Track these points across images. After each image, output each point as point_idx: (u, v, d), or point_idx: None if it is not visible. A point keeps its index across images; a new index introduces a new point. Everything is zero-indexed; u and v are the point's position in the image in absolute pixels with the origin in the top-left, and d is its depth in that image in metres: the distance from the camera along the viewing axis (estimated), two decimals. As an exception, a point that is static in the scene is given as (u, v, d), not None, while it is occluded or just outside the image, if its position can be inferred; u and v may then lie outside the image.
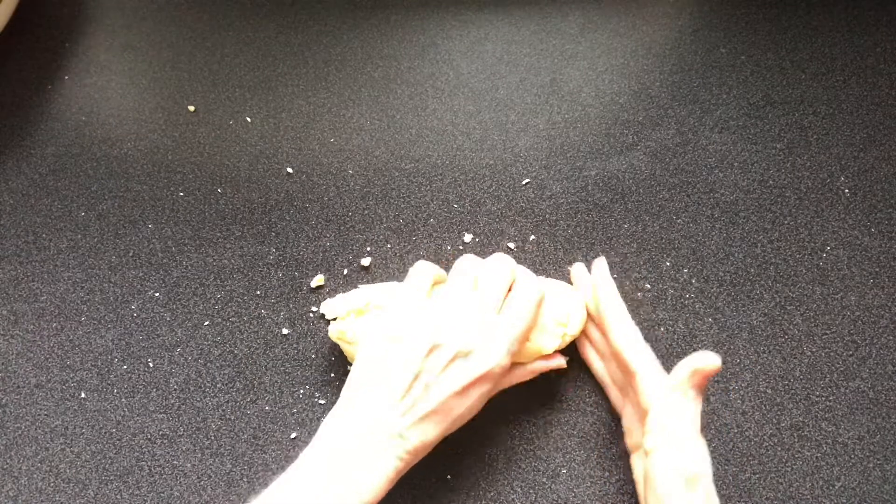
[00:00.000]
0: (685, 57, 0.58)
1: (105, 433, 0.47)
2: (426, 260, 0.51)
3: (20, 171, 0.55)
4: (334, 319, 0.46)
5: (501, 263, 0.44)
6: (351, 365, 0.47)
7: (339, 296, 0.47)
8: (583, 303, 0.46)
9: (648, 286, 0.50)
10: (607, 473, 0.45)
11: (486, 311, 0.41)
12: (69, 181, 0.54)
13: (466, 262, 0.45)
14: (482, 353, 0.40)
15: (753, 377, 0.47)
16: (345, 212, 0.53)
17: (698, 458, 0.37)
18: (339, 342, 0.45)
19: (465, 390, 0.39)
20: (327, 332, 0.47)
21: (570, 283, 0.50)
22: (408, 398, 0.38)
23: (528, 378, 0.45)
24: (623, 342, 0.43)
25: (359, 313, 0.44)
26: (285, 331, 0.49)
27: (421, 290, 0.43)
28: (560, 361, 0.45)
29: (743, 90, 0.56)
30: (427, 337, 0.40)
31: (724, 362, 0.48)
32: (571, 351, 0.47)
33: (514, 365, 0.44)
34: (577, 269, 0.49)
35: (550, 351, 0.44)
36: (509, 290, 0.44)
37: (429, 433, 0.39)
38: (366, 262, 0.51)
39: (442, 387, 0.39)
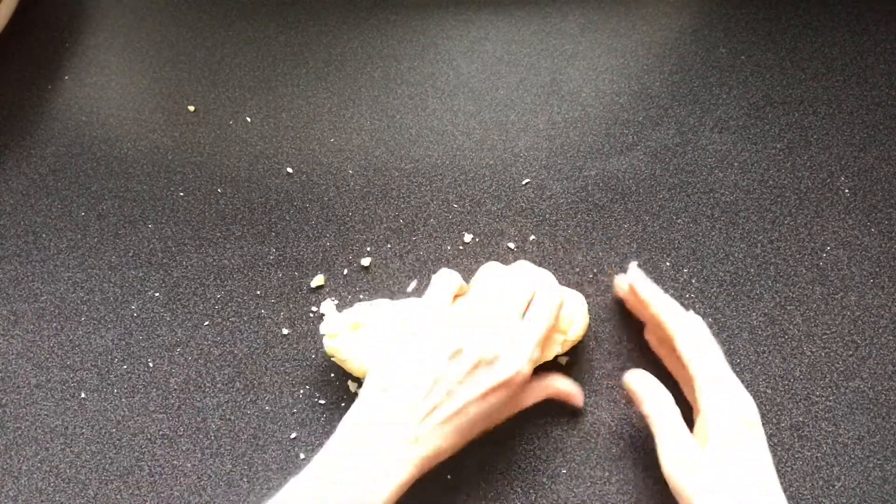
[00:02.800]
0: (685, 57, 0.58)
1: (105, 433, 0.47)
2: (425, 259, 0.51)
3: (20, 171, 0.55)
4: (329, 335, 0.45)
5: (525, 271, 0.44)
6: (348, 376, 0.47)
7: (332, 312, 0.46)
8: (584, 308, 0.46)
9: (648, 286, 0.50)
10: (607, 473, 0.45)
11: (508, 318, 0.41)
12: (69, 181, 0.54)
13: (489, 269, 0.45)
14: (504, 359, 0.40)
15: (753, 377, 0.47)
16: (345, 212, 0.53)
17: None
18: (332, 359, 0.45)
19: (485, 396, 0.39)
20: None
21: (572, 287, 0.50)
22: (427, 403, 0.38)
23: (541, 398, 0.45)
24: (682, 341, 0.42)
25: (354, 327, 0.44)
26: (285, 331, 0.49)
27: (444, 298, 0.43)
28: (578, 399, 0.46)
29: (743, 90, 0.56)
30: (449, 342, 0.40)
31: (724, 362, 0.48)
32: (572, 354, 0.47)
33: (532, 381, 0.44)
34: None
35: (550, 357, 0.44)
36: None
37: (445, 440, 0.39)
38: (366, 262, 0.51)
39: (463, 393, 0.39)
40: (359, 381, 0.48)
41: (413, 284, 0.50)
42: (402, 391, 0.39)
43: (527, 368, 0.40)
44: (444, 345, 0.40)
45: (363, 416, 0.39)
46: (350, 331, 0.44)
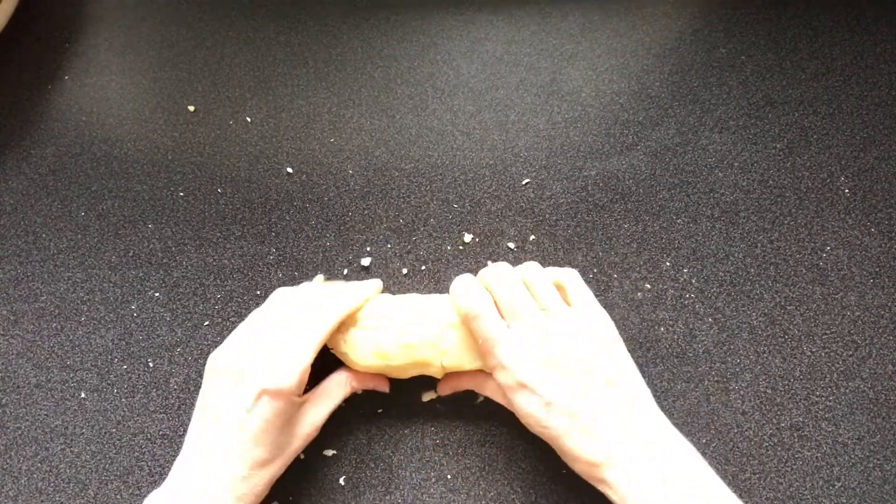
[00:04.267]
0: (685, 57, 0.58)
1: (105, 433, 0.47)
2: (425, 259, 0.51)
3: (20, 171, 0.55)
4: None
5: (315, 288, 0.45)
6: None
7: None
8: None
9: (648, 286, 0.50)
10: (607, 473, 0.45)
11: (274, 330, 0.42)
12: (69, 181, 0.54)
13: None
14: (268, 372, 0.40)
15: (753, 377, 0.47)
16: (345, 212, 0.53)
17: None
18: (332, 351, 0.45)
19: (253, 409, 0.39)
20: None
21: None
22: (235, 440, 0.38)
23: (343, 394, 0.44)
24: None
25: (352, 323, 0.44)
26: (285, 331, 0.49)
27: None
28: (383, 384, 0.46)
29: (743, 90, 0.56)
30: (226, 373, 0.40)
31: (724, 362, 0.48)
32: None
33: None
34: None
35: None
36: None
37: (266, 477, 0.39)
38: (366, 262, 0.51)
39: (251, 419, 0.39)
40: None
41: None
42: (207, 440, 0.39)
43: (291, 381, 0.40)
44: (222, 378, 0.40)
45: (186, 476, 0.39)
46: (347, 325, 0.44)
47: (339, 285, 0.46)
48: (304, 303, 0.43)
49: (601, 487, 0.38)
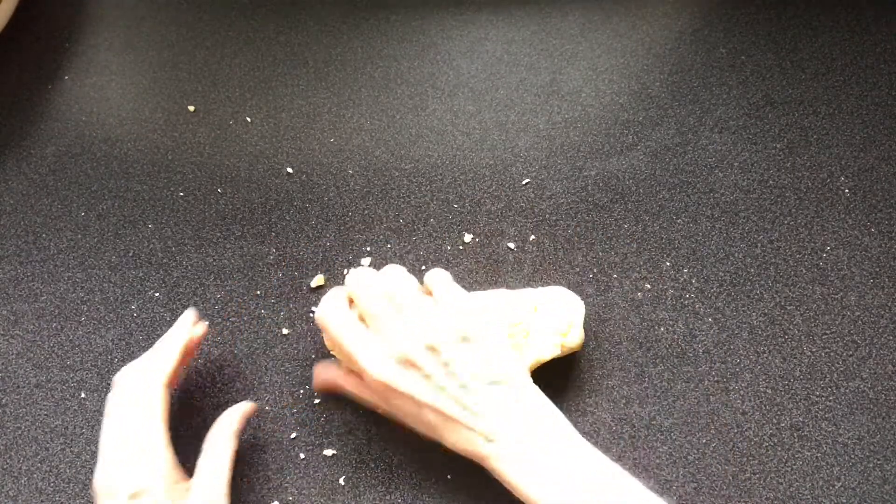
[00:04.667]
0: (685, 57, 0.58)
1: (105, 433, 0.47)
2: (425, 259, 0.51)
3: (20, 171, 0.55)
4: None
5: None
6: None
7: None
8: (583, 312, 0.46)
9: (648, 286, 0.50)
10: (607, 473, 0.45)
11: (119, 437, 0.41)
12: (69, 181, 0.54)
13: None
14: (132, 478, 0.39)
15: (753, 377, 0.47)
16: (345, 212, 0.53)
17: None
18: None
19: None
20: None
21: (572, 288, 0.50)
22: None
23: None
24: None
25: None
26: (285, 331, 0.49)
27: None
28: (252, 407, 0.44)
29: (743, 90, 0.56)
30: (100, 494, 0.40)
31: (724, 362, 0.48)
32: (575, 359, 0.47)
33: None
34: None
35: (548, 359, 0.44)
36: None
37: None
38: (366, 262, 0.51)
39: None
40: (359, 381, 0.48)
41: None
42: None
43: (153, 479, 0.39)
44: (99, 494, 0.39)
45: None
46: None
47: (154, 352, 0.44)
48: (129, 396, 0.41)
49: (486, 465, 0.39)
